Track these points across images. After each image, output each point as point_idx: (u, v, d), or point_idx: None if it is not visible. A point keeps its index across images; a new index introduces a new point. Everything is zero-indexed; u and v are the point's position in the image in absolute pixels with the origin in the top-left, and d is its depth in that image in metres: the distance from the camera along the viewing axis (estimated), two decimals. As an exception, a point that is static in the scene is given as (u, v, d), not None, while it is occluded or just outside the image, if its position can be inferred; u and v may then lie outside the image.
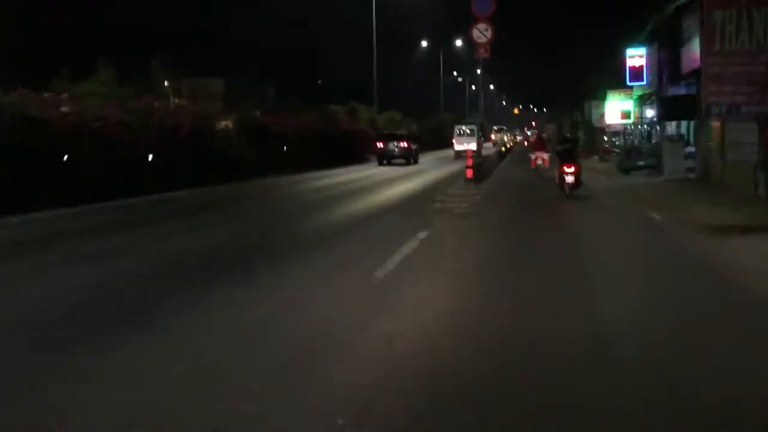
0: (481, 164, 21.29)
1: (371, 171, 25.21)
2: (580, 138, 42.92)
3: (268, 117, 24.08)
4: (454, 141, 36.21)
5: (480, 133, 37.89)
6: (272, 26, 63.91)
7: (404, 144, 29.79)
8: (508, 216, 11.76)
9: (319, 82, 48.86)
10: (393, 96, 67.15)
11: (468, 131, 36.71)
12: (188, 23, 56.11)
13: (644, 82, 21.12)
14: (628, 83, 22.20)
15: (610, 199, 14.26)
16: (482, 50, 19.40)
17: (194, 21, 56.96)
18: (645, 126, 31.46)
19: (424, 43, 66.25)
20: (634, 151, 21.04)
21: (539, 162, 21.43)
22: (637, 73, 21.03)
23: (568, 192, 13.58)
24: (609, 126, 33.44)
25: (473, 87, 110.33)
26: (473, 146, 32.24)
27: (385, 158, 29.24)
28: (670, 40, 19.07)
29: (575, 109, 71.22)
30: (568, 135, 19.20)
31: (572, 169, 13.59)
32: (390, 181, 20.29)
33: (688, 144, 18.33)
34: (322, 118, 29.49)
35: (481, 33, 19.19)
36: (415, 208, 12.61)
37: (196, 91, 45.83)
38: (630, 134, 32.77)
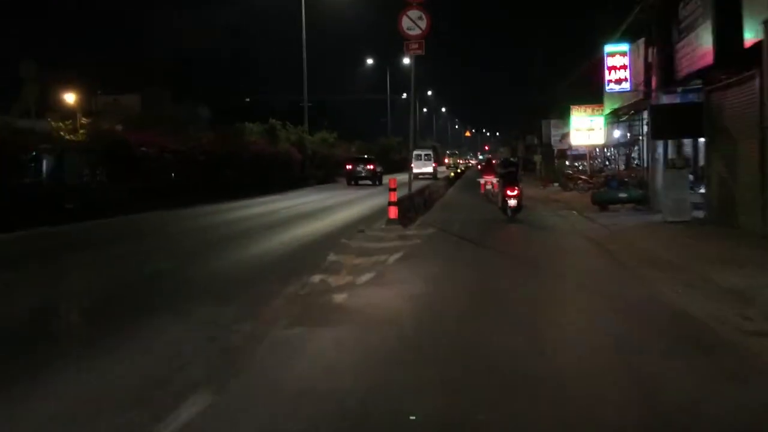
0: (422, 192, 18.54)
1: (283, 203, 19.61)
2: (538, 162, 38.77)
3: (135, 134, 18.16)
4: (412, 165, 34.46)
5: (434, 158, 42.57)
6: (202, 38, 58.29)
7: (371, 166, 32.51)
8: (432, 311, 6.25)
9: (247, 99, 43.02)
10: (335, 116, 62.39)
11: (425, 156, 41.52)
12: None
13: (628, 88, 16.24)
14: (607, 90, 17.30)
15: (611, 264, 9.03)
16: (414, 46, 14.15)
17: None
18: (612, 149, 27.01)
19: (369, 61, 61.69)
20: (614, 181, 16.05)
21: (488, 186, 20.53)
22: (618, 76, 16.13)
23: (510, 215, 13.79)
24: (571, 148, 28.99)
25: (425, 110, 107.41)
26: (429, 169, 38.43)
27: (353, 179, 32.04)
28: (662, 35, 14.27)
29: (527, 133, 67.77)
30: (511, 158, 18.13)
31: (515, 192, 13.80)
32: (297, 220, 14.73)
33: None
34: (221, 138, 23.71)
35: (413, 22, 13.91)
36: (273, 283, 7.02)
37: (108, 108, 40.09)
38: (596, 158, 28.33)
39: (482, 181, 20.78)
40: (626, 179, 17.03)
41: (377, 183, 30.59)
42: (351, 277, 7.26)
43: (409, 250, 9.42)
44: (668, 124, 13.12)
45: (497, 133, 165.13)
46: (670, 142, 14.40)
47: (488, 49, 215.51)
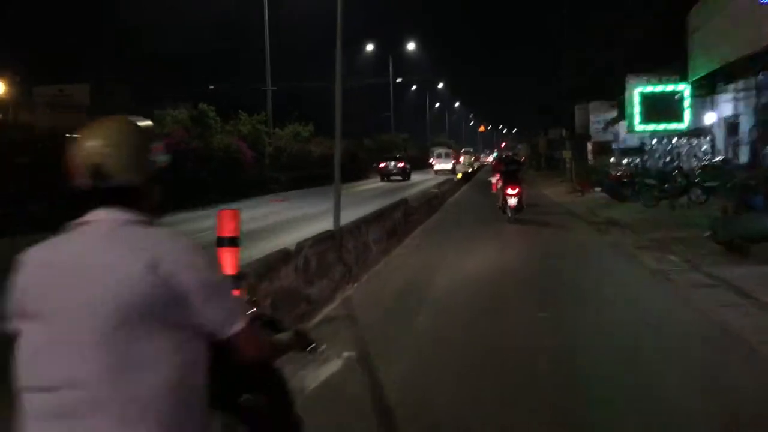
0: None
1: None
2: (567, 158, 30.66)
3: None
4: (433, 162, 44.33)
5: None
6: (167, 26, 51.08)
7: (401, 164, 36.83)
8: None
9: (211, 87, 35.37)
10: (325, 109, 54.74)
11: (444, 154, 46.33)
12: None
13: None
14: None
15: None
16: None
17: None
18: (680, 140, 18.86)
19: (369, 47, 53.81)
20: (759, 197, 7.99)
21: (509, 200, 15.35)
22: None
23: (510, 215, 13.21)
24: (619, 139, 21.02)
25: (437, 104, 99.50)
26: (449, 166, 41.87)
27: (386, 176, 35.86)
28: None
29: (550, 126, 59.17)
30: (514, 156, 17.09)
31: (516, 191, 13.28)
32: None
33: None
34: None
35: None
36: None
37: (54, 101, 33.16)
38: (654, 152, 20.19)
39: (494, 180, 18.17)
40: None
41: (407, 179, 35.78)
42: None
43: None
44: None
45: (514, 130, 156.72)
46: None
47: (508, 39, 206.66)
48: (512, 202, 13.01)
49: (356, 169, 40.77)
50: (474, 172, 42.55)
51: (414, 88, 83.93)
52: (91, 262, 1.27)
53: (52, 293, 1.26)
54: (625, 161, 21.35)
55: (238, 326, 1.34)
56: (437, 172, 40.98)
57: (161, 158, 1.42)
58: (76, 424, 1.21)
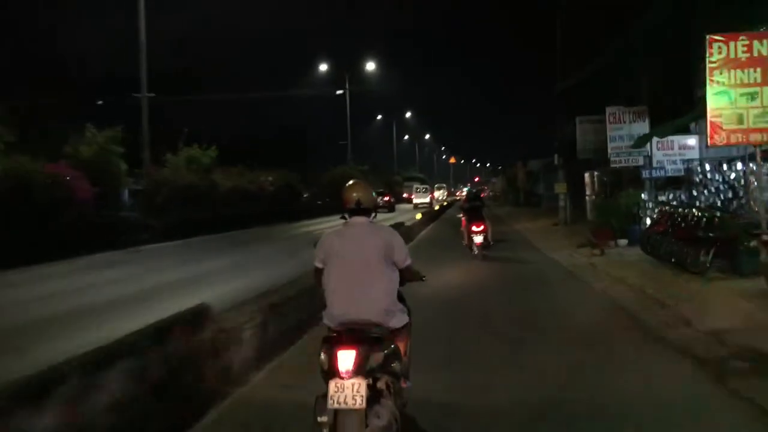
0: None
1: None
2: (561, 192, 22.94)
3: None
4: (414, 196, 49.27)
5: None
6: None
7: (387, 198, 41.78)
8: None
9: (99, 102, 27.11)
10: (270, 145, 47.06)
11: (423, 189, 51.78)
12: None
13: None
14: None
15: None
16: None
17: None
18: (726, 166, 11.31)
19: (323, 67, 46.17)
20: None
21: (475, 238, 13.36)
22: None
23: (477, 252, 12.60)
24: (651, 164, 13.30)
25: (406, 137, 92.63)
26: (427, 200, 47.48)
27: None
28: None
29: (529, 157, 52.01)
30: (476, 192, 16.14)
31: (481, 228, 12.65)
32: None
33: None
34: None
35: None
36: None
37: None
38: (709, 183, 12.45)
39: (463, 216, 14.40)
40: None
41: (393, 210, 38.82)
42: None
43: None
44: None
45: (487, 164, 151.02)
46: None
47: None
48: (478, 239, 12.60)
49: (296, 206, 32.71)
50: (447, 206, 42.68)
51: (379, 117, 77.08)
52: (362, 236, 3.33)
53: (342, 248, 3.31)
54: (675, 193, 13.59)
55: (407, 263, 3.43)
56: (416, 205, 44.79)
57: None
58: (364, 280, 3.24)
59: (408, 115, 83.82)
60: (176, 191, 20.47)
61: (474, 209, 13.16)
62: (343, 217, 3.54)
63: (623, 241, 13.88)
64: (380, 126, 77.36)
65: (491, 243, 13.30)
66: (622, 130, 14.44)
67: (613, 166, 14.69)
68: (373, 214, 3.64)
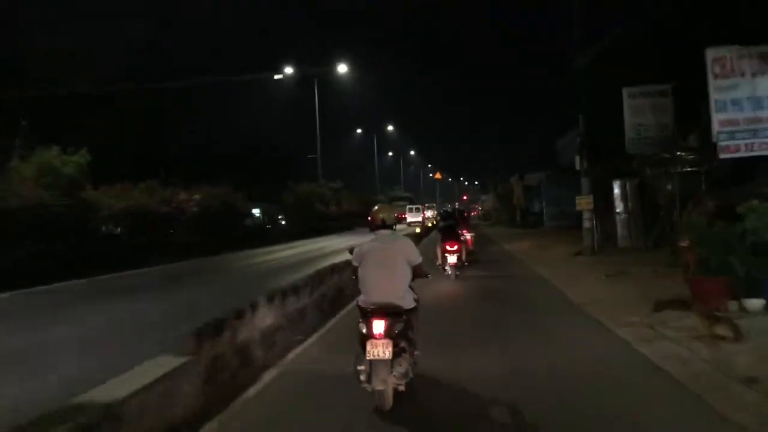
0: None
1: None
2: (588, 212, 16.01)
3: None
4: (407, 215, 51.39)
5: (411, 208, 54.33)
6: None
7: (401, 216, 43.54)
8: None
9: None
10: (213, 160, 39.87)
11: (415, 209, 53.54)
12: None
13: None
14: None
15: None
16: None
17: None
18: None
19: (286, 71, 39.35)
20: None
21: (449, 258, 12.53)
22: None
23: (450, 273, 12.06)
24: None
25: (390, 153, 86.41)
26: (419, 219, 47.23)
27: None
28: None
29: (526, 170, 45.38)
30: (449, 211, 16.44)
31: (455, 248, 12.24)
32: None
33: None
34: None
35: None
36: None
37: None
38: None
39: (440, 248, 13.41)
40: None
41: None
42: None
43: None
44: None
45: (476, 183, 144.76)
46: None
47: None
48: (452, 260, 12.12)
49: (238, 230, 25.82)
50: (432, 226, 38.39)
51: (359, 131, 70.57)
52: (386, 243, 4.92)
53: (372, 251, 4.85)
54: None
55: (418, 262, 4.90)
56: (410, 223, 46.60)
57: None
58: (388, 274, 4.75)
59: (390, 128, 77.62)
60: (15, 214, 13.35)
61: (448, 228, 12.79)
62: (373, 231, 5.31)
63: (754, 302, 7.06)
64: (362, 141, 71.09)
65: (465, 264, 13.24)
66: (739, 90, 7.67)
67: (723, 156, 7.84)
68: (395, 227, 5.34)
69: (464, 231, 15.55)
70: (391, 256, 4.80)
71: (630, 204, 16.44)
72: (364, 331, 4.52)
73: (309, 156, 44.45)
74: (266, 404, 4.78)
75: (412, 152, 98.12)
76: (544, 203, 31.78)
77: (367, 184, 72.36)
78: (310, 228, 36.22)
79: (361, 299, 4.79)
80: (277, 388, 5.18)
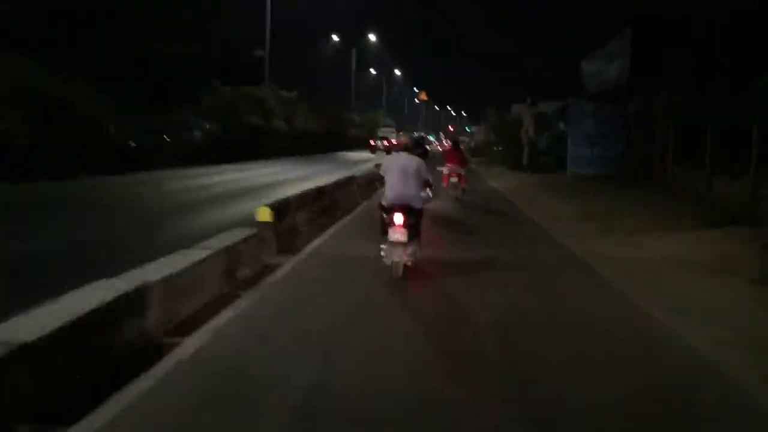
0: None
1: None
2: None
3: None
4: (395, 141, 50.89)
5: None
6: None
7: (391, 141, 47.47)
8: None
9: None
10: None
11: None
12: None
13: None
14: None
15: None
16: None
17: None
18: None
19: None
20: None
21: (453, 179, 14.85)
22: None
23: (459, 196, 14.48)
24: None
25: (371, 70, 75.91)
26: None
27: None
28: None
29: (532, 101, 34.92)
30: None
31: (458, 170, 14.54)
32: None
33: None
34: None
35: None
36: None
37: None
38: None
39: (445, 171, 15.03)
40: None
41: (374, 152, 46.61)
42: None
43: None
44: None
45: (463, 113, 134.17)
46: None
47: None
48: (453, 180, 14.71)
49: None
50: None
51: (336, 39, 59.96)
52: (405, 160, 6.91)
53: (394, 164, 6.88)
54: None
55: (428, 177, 7.03)
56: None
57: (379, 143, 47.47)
58: (405, 182, 6.78)
59: (373, 38, 66.82)
60: None
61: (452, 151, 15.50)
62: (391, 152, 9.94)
63: None
64: (340, 52, 60.70)
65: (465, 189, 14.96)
66: None
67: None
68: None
69: (458, 164, 14.98)
70: (407, 168, 6.76)
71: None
72: (387, 220, 6.59)
73: (254, 53, 33.71)
74: (315, 265, 7.41)
75: (398, 71, 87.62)
76: (570, 140, 22.75)
77: (339, 103, 62.26)
78: (229, 148, 26.68)
79: (384, 199, 6.81)
80: (315, 261, 7.58)
